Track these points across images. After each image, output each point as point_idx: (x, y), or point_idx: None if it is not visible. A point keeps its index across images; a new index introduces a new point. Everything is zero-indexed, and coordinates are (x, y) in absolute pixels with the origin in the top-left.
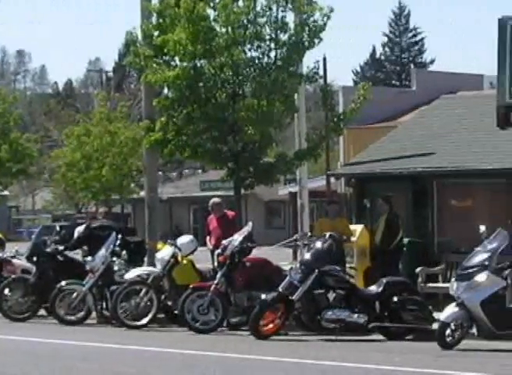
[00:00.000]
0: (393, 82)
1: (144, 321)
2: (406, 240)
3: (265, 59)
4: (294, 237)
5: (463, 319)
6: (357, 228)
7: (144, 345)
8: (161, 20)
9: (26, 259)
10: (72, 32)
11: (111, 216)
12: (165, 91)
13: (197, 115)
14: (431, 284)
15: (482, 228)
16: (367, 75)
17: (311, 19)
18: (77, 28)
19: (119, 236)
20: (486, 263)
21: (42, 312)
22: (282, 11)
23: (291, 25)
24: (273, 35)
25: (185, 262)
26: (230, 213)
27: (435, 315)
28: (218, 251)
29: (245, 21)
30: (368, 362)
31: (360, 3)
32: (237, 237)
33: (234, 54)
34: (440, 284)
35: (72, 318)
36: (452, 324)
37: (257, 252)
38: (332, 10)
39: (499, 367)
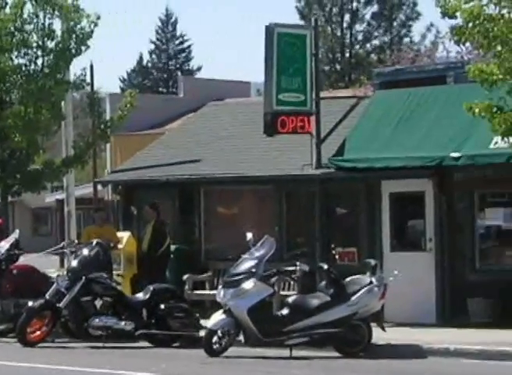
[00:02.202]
0: (161, 89)
1: None
2: (173, 247)
3: (32, 66)
4: (61, 245)
5: (230, 327)
6: (124, 235)
7: None
8: None
9: None
10: None
11: None
12: None
13: None
14: (198, 291)
15: (249, 235)
16: (134, 82)
17: (78, 26)
18: None
19: None
20: (253, 270)
21: None
22: (50, 18)
23: (58, 32)
24: (40, 42)
25: None
26: None
27: (203, 322)
28: None
29: (12, 28)
30: (135, 369)
31: (128, 10)
32: (4, 245)
33: (1, 61)
34: (207, 291)
35: None
36: (219, 331)
37: (24, 260)
38: (99, 17)
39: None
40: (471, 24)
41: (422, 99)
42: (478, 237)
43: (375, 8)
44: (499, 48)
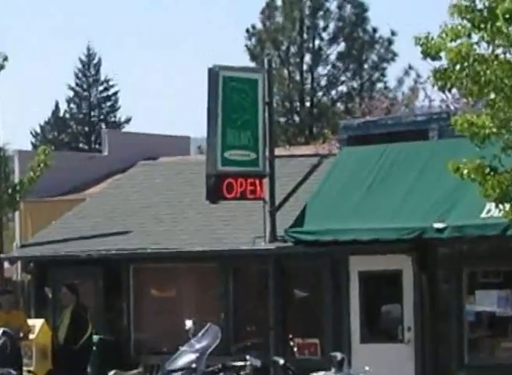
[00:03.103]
0: (81, 145)
1: None
2: (96, 337)
3: None
4: None
5: None
6: (37, 323)
7: None
8: None
9: None
10: None
11: None
12: None
13: None
14: None
15: (189, 323)
16: (49, 137)
17: None
18: None
19: None
20: (194, 366)
21: None
22: None
23: None
24: None
25: None
26: None
27: None
28: None
29: None
30: None
31: (42, 50)
32: None
33: None
34: None
35: None
36: None
37: None
38: (6, 58)
39: None
40: (458, 66)
41: (399, 157)
42: (466, 325)
43: (341, 46)
44: (492, 95)
